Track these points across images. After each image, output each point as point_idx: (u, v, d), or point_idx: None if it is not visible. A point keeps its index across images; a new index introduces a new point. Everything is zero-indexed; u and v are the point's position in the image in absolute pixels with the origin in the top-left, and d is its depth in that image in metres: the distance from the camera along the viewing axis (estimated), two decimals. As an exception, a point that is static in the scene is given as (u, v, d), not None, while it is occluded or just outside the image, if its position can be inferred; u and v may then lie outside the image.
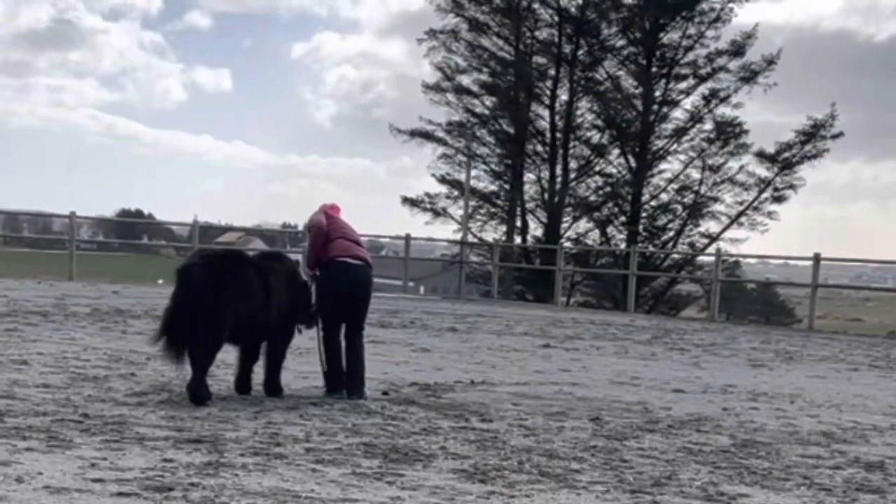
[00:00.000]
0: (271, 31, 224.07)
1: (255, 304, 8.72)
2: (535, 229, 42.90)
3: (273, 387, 9.17)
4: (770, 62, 40.19)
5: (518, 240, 42.15)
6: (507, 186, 43.05)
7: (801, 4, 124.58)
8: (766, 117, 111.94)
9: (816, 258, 25.31)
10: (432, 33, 42.26)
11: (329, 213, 9.79)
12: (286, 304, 9.06)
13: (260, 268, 9.00)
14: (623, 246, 40.10)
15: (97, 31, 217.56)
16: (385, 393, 9.62)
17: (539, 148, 43.08)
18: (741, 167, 41.00)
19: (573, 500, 5.80)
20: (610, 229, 42.79)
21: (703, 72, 41.04)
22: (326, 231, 9.54)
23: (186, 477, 5.69)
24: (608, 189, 42.34)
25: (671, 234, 42.50)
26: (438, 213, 42.67)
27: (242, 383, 9.15)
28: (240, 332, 8.75)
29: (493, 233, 42.32)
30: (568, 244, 40.47)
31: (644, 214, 42.20)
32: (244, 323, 8.67)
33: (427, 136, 42.46)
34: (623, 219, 42.14)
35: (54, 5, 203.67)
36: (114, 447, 6.42)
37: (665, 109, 41.87)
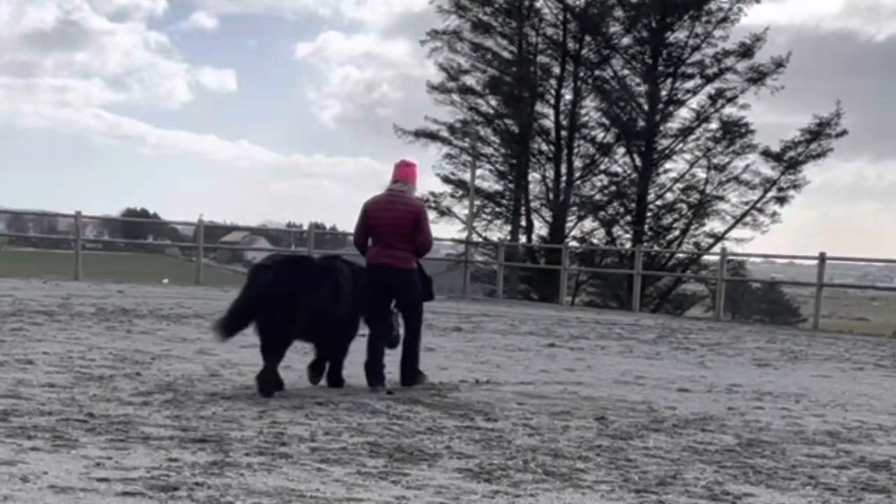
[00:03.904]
0: (276, 31, 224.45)
1: (323, 302, 9.36)
2: (540, 228, 42.91)
3: (335, 379, 9.91)
4: (779, 65, 40.13)
5: (523, 239, 42.13)
6: (511, 186, 43.04)
7: (802, 5, 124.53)
8: (768, 117, 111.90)
9: (822, 257, 25.27)
10: (435, 34, 42.27)
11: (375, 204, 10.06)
12: (351, 303, 9.64)
13: (326, 269, 9.66)
14: (628, 245, 40.08)
15: (103, 31, 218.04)
16: (390, 392, 9.62)
17: (544, 147, 43.07)
18: (746, 166, 41.02)
19: (578, 500, 5.79)
20: (615, 228, 42.78)
21: (709, 72, 41.00)
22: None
23: (191, 476, 5.69)
24: (613, 188, 42.31)
25: (676, 233, 42.49)
26: (443, 213, 42.69)
27: (315, 372, 9.90)
28: (309, 329, 9.45)
29: (498, 232, 42.33)
30: (573, 243, 40.46)
31: (649, 214, 42.18)
32: (313, 320, 9.34)
33: (431, 135, 42.48)
34: (628, 218, 42.10)
35: (60, 6, 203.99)
36: (119, 447, 6.42)
37: (671, 109, 41.83)
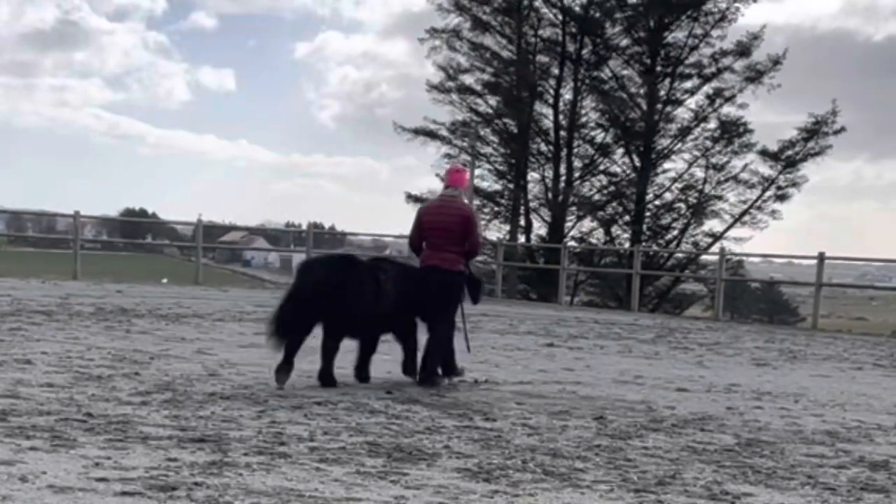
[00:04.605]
0: (275, 31, 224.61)
1: (369, 301, 9.78)
2: (539, 228, 42.93)
3: (364, 376, 10.26)
4: (776, 62, 40.20)
5: (522, 239, 42.14)
6: (510, 185, 43.05)
7: (800, 5, 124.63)
8: (766, 117, 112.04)
9: (821, 257, 25.28)
10: (434, 32, 42.27)
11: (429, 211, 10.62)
12: (397, 302, 10.06)
13: (370, 268, 10.07)
14: (627, 245, 40.10)
15: (102, 31, 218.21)
16: (389, 392, 9.62)
17: (543, 147, 43.09)
18: (745, 166, 41.05)
19: (577, 499, 5.79)
20: (614, 228, 42.81)
21: (707, 71, 41.05)
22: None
23: (190, 476, 5.69)
24: (612, 188, 42.34)
25: (675, 233, 42.51)
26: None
27: (360, 371, 10.22)
28: (356, 326, 9.90)
29: (497, 232, 42.34)
30: (572, 243, 40.46)
31: (648, 213, 42.21)
32: (360, 318, 9.82)
33: (431, 134, 42.49)
34: (627, 218, 42.13)
35: (59, 6, 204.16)
36: (118, 446, 6.42)
37: (669, 109, 41.86)
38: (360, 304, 9.75)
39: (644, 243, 39.64)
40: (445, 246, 10.31)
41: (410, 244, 10.86)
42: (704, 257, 41.40)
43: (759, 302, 56.36)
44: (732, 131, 40.87)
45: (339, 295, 9.59)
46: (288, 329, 9.57)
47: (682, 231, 42.28)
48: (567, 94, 42.51)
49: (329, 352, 9.74)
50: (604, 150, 42.48)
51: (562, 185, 42.03)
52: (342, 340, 9.88)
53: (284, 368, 9.47)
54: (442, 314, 10.46)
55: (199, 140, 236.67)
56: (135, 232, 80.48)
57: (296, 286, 9.87)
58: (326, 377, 9.72)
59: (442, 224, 10.33)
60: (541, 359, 13.67)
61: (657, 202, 42.56)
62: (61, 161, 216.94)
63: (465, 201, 10.89)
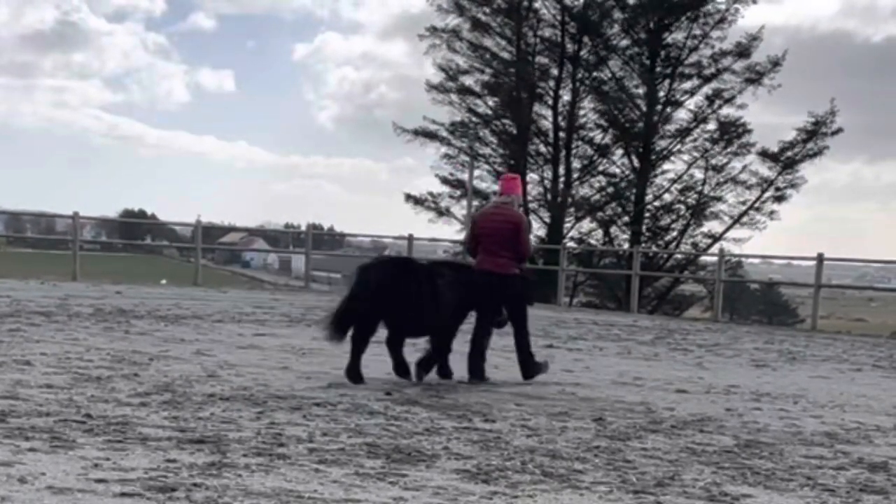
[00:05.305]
0: (274, 32, 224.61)
1: (422, 302, 10.23)
2: (538, 229, 42.90)
3: (445, 372, 10.83)
4: (775, 63, 40.23)
5: (521, 240, 42.09)
6: (510, 186, 42.97)
7: (799, 6, 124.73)
8: (764, 118, 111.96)
9: (820, 258, 25.28)
10: (434, 31, 42.29)
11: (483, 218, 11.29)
12: (452, 304, 10.53)
13: (426, 270, 10.65)
14: (626, 246, 40.10)
15: (101, 32, 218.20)
16: (388, 393, 9.62)
17: (542, 148, 43.10)
18: (744, 167, 41.06)
19: (576, 501, 5.79)
20: (613, 229, 42.82)
21: (707, 72, 41.07)
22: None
23: (189, 477, 5.69)
24: (611, 189, 42.34)
25: (674, 234, 42.53)
26: (441, 213, 42.72)
27: (421, 368, 10.59)
28: (412, 325, 10.39)
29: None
30: (571, 244, 40.45)
31: (647, 214, 42.22)
32: (414, 318, 10.28)
33: (430, 135, 42.50)
34: (626, 219, 42.13)
35: (58, 7, 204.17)
36: (117, 447, 6.41)
37: (669, 109, 41.89)
38: (417, 305, 10.22)
39: (643, 244, 39.65)
40: (499, 251, 10.90)
41: (467, 248, 11.65)
42: (703, 258, 41.44)
43: (758, 303, 56.41)
44: (732, 132, 40.89)
45: (396, 296, 10.10)
46: (345, 326, 10.10)
47: (682, 232, 42.30)
48: (566, 95, 42.58)
49: (396, 345, 10.45)
50: (603, 150, 42.49)
51: (561, 185, 42.03)
52: (404, 339, 10.53)
53: (354, 368, 10.08)
54: (492, 315, 11.09)
55: (199, 141, 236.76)
56: (134, 233, 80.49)
57: (355, 286, 10.34)
58: (398, 368, 10.45)
59: (494, 230, 10.95)
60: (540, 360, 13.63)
61: (656, 203, 42.58)
62: (60, 162, 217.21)
63: (518, 208, 11.48)
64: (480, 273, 10.95)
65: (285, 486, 5.65)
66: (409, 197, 42.76)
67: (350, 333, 10.19)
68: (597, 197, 42.66)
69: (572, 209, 42.68)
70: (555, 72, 42.54)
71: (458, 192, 41.94)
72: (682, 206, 42.12)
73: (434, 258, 17.92)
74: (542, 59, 42.95)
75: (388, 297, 10.10)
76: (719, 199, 41.42)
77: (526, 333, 11.24)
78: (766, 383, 12.39)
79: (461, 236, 38.07)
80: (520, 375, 11.23)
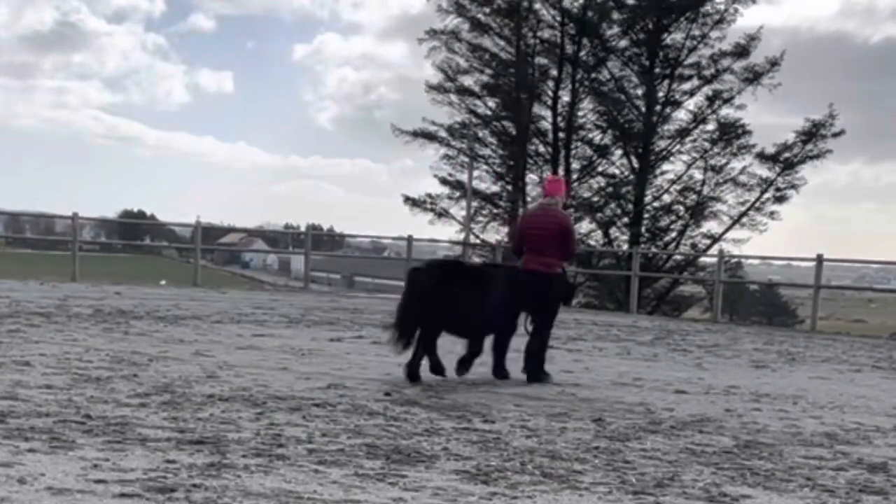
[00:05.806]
0: (273, 33, 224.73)
1: (473, 303, 10.57)
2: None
3: (501, 373, 11.20)
4: (774, 63, 40.19)
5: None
6: (509, 187, 43.03)
7: (798, 7, 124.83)
8: (764, 118, 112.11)
9: (819, 259, 25.27)
10: (433, 33, 42.29)
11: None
12: (502, 304, 10.86)
13: (477, 272, 11.14)
14: (625, 247, 40.09)
15: (101, 33, 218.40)
16: (387, 394, 9.61)
17: (541, 149, 43.08)
18: (743, 168, 41.04)
19: (576, 501, 5.79)
20: (612, 230, 42.77)
21: (706, 73, 41.04)
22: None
23: (189, 478, 5.69)
24: (610, 190, 42.30)
25: (673, 234, 42.48)
26: (441, 214, 42.69)
27: (462, 366, 10.91)
28: (460, 325, 10.71)
29: (496, 234, 42.36)
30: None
31: (646, 215, 42.18)
32: (463, 319, 10.61)
33: (429, 136, 42.49)
34: (625, 219, 42.10)
35: (58, 8, 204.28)
36: (116, 448, 6.41)
37: (668, 110, 41.84)
38: (467, 306, 10.55)
39: (642, 245, 39.62)
40: (545, 251, 11.22)
41: (514, 249, 11.87)
42: (703, 259, 41.38)
43: (757, 304, 56.44)
44: (731, 133, 40.86)
45: (447, 297, 10.44)
46: (406, 331, 10.39)
47: (681, 233, 42.26)
48: (565, 96, 42.53)
49: (429, 345, 10.58)
50: (602, 151, 42.46)
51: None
52: (437, 337, 10.67)
53: (438, 369, 10.58)
54: (542, 316, 11.48)
55: (198, 142, 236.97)
56: (133, 233, 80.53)
57: (408, 291, 10.63)
58: (436, 367, 10.64)
59: (541, 231, 11.24)
60: (539, 361, 13.63)
61: (656, 204, 42.54)
62: (60, 163, 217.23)
63: (562, 209, 11.77)
64: (526, 273, 11.24)
65: (285, 486, 5.65)
66: (407, 199, 42.78)
67: (416, 336, 10.48)
68: (596, 197, 42.64)
69: (571, 210, 42.65)
70: (554, 72, 42.53)
71: (458, 193, 41.94)
72: (682, 207, 42.09)
73: (435, 258, 18.07)
74: (541, 60, 42.94)
75: (440, 299, 10.41)
76: (718, 199, 41.41)
77: (548, 335, 11.64)
78: (765, 384, 12.39)
79: (460, 237, 38.17)
80: (521, 374, 11.26)
